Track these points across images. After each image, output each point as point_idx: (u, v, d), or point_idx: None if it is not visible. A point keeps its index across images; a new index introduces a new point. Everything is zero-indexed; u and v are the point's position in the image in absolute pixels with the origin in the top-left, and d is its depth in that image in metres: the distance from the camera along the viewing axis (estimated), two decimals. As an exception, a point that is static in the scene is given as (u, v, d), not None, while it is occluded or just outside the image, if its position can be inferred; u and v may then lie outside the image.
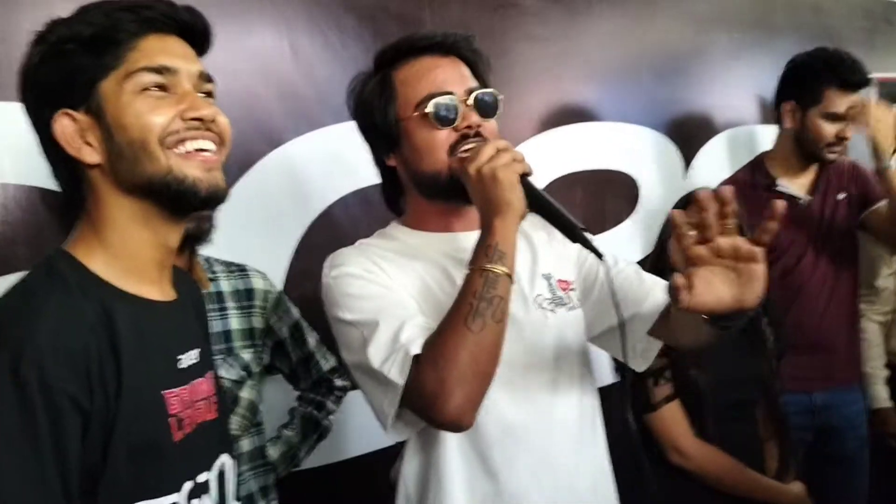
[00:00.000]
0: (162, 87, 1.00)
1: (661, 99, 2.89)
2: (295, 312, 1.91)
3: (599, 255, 1.27)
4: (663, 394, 1.96)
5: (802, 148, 2.50)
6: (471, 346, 1.21)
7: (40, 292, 0.95)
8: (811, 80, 2.46)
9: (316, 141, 2.03)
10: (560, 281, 1.49)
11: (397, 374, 1.24)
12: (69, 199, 1.04)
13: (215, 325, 1.73)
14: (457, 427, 1.26)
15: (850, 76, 2.42)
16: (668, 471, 1.90)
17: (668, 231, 2.14)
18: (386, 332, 1.27)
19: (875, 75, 3.65)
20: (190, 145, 1.00)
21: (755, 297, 1.11)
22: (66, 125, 0.98)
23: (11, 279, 1.41)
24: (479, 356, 1.22)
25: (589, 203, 2.64)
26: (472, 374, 1.21)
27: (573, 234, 1.28)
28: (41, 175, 1.03)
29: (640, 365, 1.51)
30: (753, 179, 2.52)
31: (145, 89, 0.98)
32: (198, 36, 1.06)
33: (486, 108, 1.40)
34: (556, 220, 1.30)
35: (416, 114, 1.37)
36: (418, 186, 1.43)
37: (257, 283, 1.83)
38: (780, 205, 1.09)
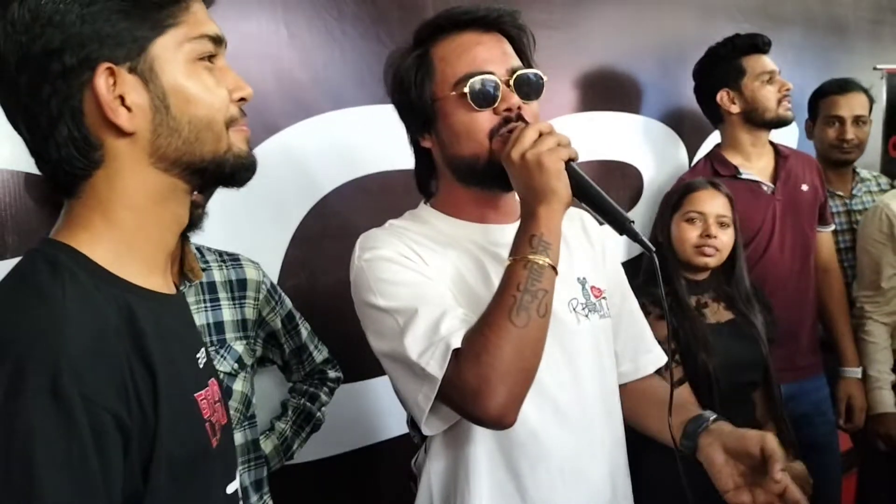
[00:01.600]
0: (210, 58, 0.91)
1: (667, 89, 2.86)
2: (288, 303, 1.87)
3: (649, 250, 1.22)
4: (675, 377, 1.96)
5: (756, 122, 2.54)
6: (515, 341, 1.16)
7: (54, 293, 0.81)
8: (728, 60, 2.55)
9: (314, 128, 1.98)
10: (594, 287, 1.44)
11: (436, 367, 1.18)
12: (67, 176, 0.89)
13: (207, 316, 1.69)
14: (499, 425, 1.21)
15: (755, 39, 2.53)
16: (660, 451, 1.89)
17: (667, 210, 2.15)
18: (424, 323, 1.22)
19: (882, 67, 3.64)
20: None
21: None
22: (103, 83, 0.85)
23: (2, 266, 1.36)
24: (523, 351, 1.17)
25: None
26: (516, 370, 1.16)
27: (621, 227, 1.22)
28: (30, 160, 0.92)
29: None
30: (715, 170, 2.52)
31: (200, 58, 0.90)
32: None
33: (528, 90, 1.32)
34: (603, 210, 1.24)
35: (453, 93, 1.31)
36: (454, 171, 1.37)
37: (250, 274, 1.79)
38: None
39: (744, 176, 2.50)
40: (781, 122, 2.52)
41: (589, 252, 1.49)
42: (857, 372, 2.61)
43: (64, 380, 0.75)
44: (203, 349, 1.00)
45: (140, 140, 0.88)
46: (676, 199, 2.16)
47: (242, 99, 0.93)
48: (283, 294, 1.87)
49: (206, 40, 0.90)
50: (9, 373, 0.75)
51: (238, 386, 1.71)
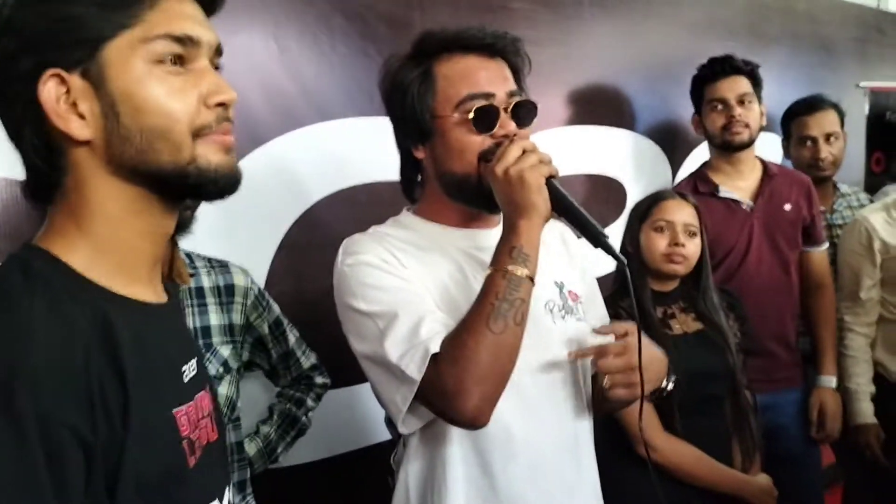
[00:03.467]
0: (178, 60, 0.84)
1: (651, 104, 2.92)
2: (276, 309, 1.91)
3: (622, 262, 1.29)
4: None
5: (714, 145, 2.65)
6: (491, 347, 1.22)
7: (21, 300, 0.77)
8: (694, 88, 2.70)
9: (301, 139, 2.03)
10: (571, 292, 1.50)
11: (415, 369, 1.24)
12: (39, 182, 0.86)
13: (195, 320, 1.72)
14: (473, 425, 1.27)
15: (715, 66, 2.63)
16: (636, 463, 1.92)
17: (636, 220, 2.19)
18: (404, 326, 1.27)
19: (865, 84, 3.70)
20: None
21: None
22: (53, 88, 0.80)
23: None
24: (499, 357, 1.23)
25: (577, 206, 2.64)
26: (491, 374, 1.22)
27: (596, 240, 1.28)
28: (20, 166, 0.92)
29: None
30: (696, 188, 2.58)
31: (161, 61, 0.83)
32: (213, 1, 0.91)
33: (523, 117, 1.39)
34: (580, 225, 1.30)
35: (455, 115, 1.36)
36: (444, 185, 1.42)
37: (238, 280, 1.82)
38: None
39: (721, 194, 2.56)
40: (728, 147, 2.59)
41: (567, 260, 1.54)
42: (831, 381, 2.63)
43: (18, 394, 0.71)
44: (193, 360, 0.95)
45: (97, 147, 0.83)
46: (644, 208, 2.18)
47: (222, 104, 0.86)
48: (271, 300, 1.90)
49: (168, 41, 0.83)
50: None
51: (223, 389, 1.75)
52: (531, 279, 1.26)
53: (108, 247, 0.86)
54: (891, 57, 3.89)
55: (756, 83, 2.60)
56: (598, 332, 1.38)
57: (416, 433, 1.39)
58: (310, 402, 1.97)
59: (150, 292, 0.91)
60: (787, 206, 2.60)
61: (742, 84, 2.57)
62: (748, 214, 2.55)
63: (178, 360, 0.92)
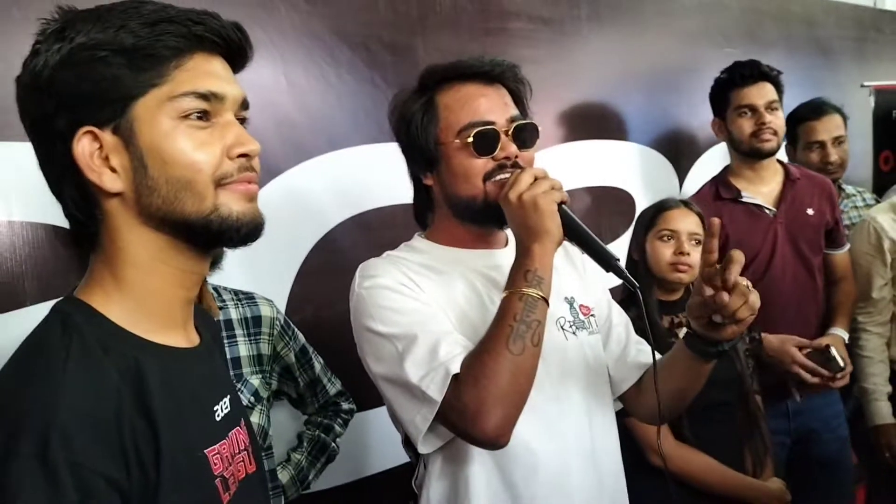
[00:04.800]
0: (204, 115, 0.89)
1: (654, 115, 2.94)
2: (301, 338, 1.95)
3: (634, 285, 1.31)
4: None
5: (740, 151, 2.62)
6: (511, 368, 1.25)
7: (56, 356, 0.82)
8: (719, 92, 2.67)
9: (313, 169, 2.08)
10: (582, 306, 1.53)
11: (436, 390, 1.27)
12: (79, 233, 0.92)
13: (225, 353, 1.76)
14: (494, 444, 1.29)
15: (742, 70, 2.60)
16: (649, 473, 1.92)
17: (641, 230, 2.19)
18: (423, 348, 1.30)
19: (869, 84, 3.71)
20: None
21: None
22: (87, 145, 0.86)
23: (20, 314, 1.43)
24: (518, 377, 1.26)
25: (586, 220, 2.61)
26: (511, 394, 1.25)
27: (607, 264, 1.31)
28: (49, 212, 0.96)
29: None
30: (719, 192, 2.59)
31: (186, 116, 0.87)
32: (240, 56, 0.95)
33: (525, 139, 1.43)
34: (592, 250, 1.34)
35: (457, 141, 1.41)
36: (452, 208, 1.46)
37: (265, 311, 1.87)
38: (716, 222, 1.29)
39: (745, 199, 2.56)
40: (756, 154, 2.57)
41: (573, 273, 1.58)
42: (843, 333, 2.58)
43: (53, 445, 0.75)
44: (227, 399, 0.99)
45: (128, 199, 0.88)
46: (650, 218, 2.20)
47: (245, 155, 0.91)
48: (296, 329, 1.94)
49: (192, 98, 0.87)
50: (4, 436, 0.76)
51: (254, 418, 1.78)
52: (546, 301, 1.30)
53: (142, 294, 0.90)
54: (890, 55, 3.90)
55: (780, 90, 2.61)
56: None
57: (438, 454, 1.42)
58: (338, 428, 2.01)
59: (182, 337, 0.95)
60: (810, 211, 2.59)
61: (770, 91, 2.57)
62: (771, 220, 2.55)
63: (210, 400, 0.96)
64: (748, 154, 2.59)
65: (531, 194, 1.30)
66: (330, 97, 2.10)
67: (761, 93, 2.57)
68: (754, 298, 1.26)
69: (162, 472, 0.82)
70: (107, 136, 0.86)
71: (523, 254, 1.32)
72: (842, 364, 2.37)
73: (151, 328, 0.90)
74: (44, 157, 0.90)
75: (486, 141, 1.39)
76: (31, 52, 0.87)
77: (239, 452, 0.97)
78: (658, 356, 1.40)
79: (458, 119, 1.41)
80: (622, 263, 1.33)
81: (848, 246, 2.73)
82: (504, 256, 1.37)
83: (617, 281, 1.34)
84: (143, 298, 0.90)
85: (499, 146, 1.40)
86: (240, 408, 1.04)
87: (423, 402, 1.29)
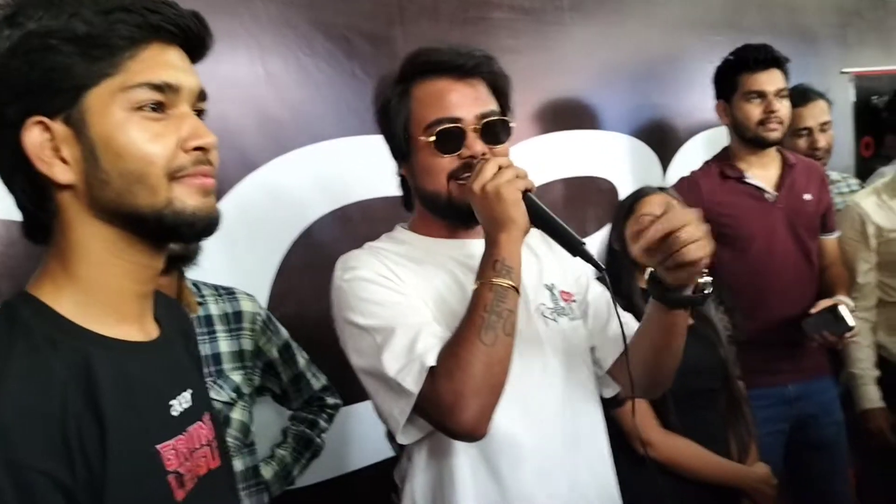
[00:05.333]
0: (159, 106, 0.87)
1: (637, 105, 2.93)
2: (284, 333, 1.93)
3: (601, 269, 1.31)
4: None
5: (744, 137, 2.58)
6: (484, 359, 1.25)
7: (0, 351, 0.81)
8: (727, 74, 2.60)
9: (293, 162, 2.05)
10: (563, 292, 1.53)
11: (412, 383, 1.27)
12: (33, 224, 0.90)
13: (204, 349, 1.74)
14: (471, 437, 1.29)
15: (755, 55, 2.54)
16: (636, 462, 1.94)
17: (621, 217, 2.18)
18: (402, 341, 1.30)
19: (849, 70, 3.71)
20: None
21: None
22: (37, 135, 0.84)
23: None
24: (492, 368, 1.26)
25: (570, 209, 2.68)
26: (486, 385, 1.25)
27: (574, 249, 1.31)
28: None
29: (607, 393, 1.58)
30: (722, 172, 2.57)
31: (140, 108, 0.85)
32: (198, 46, 0.93)
33: (495, 135, 1.41)
34: (558, 235, 1.33)
35: (423, 137, 1.41)
36: (422, 200, 1.47)
37: (246, 306, 1.85)
38: (645, 220, 1.21)
39: (748, 180, 2.54)
40: (760, 142, 2.54)
41: (553, 258, 1.56)
42: (846, 299, 2.53)
43: None
44: (186, 392, 0.96)
45: (80, 191, 0.86)
46: (629, 204, 2.21)
47: (201, 148, 0.89)
48: (278, 324, 1.92)
49: (146, 89, 0.85)
50: None
51: (236, 415, 1.77)
52: (516, 289, 1.30)
53: (95, 288, 0.88)
54: (872, 41, 3.90)
55: (787, 77, 2.58)
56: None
57: (423, 446, 1.42)
58: (322, 423, 1.99)
59: (138, 330, 0.93)
60: (807, 196, 2.59)
61: (780, 77, 2.54)
62: (771, 205, 2.54)
63: (166, 394, 0.93)
64: (751, 141, 2.56)
65: (494, 184, 1.30)
66: (309, 89, 2.08)
67: (772, 79, 2.53)
68: (701, 242, 1.19)
69: (109, 468, 0.81)
70: (57, 127, 0.84)
71: (491, 244, 1.32)
72: (851, 324, 2.35)
73: (104, 322, 0.88)
74: None
75: (449, 139, 1.39)
76: None
77: (200, 448, 0.95)
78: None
79: (427, 115, 1.41)
80: (588, 248, 1.32)
81: (837, 232, 2.74)
82: (482, 245, 1.36)
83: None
84: (95, 292, 0.88)
85: (464, 144, 1.39)
86: (204, 402, 1.02)
87: (401, 395, 1.29)
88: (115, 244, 0.88)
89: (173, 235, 0.91)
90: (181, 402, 0.94)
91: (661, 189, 2.24)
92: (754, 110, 2.53)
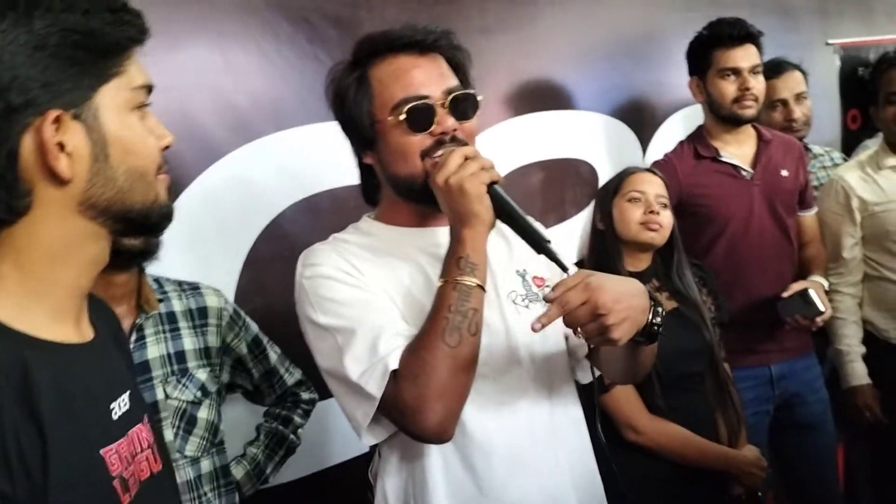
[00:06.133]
0: (143, 107, 0.91)
1: (614, 84, 2.88)
2: (254, 328, 1.88)
3: (564, 268, 1.27)
4: None
5: (719, 115, 2.55)
6: (449, 361, 1.22)
7: None
8: (700, 50, 2.57)
9: (258, 151, 2.00)
10: (535, 277, 1.49)
11: (375, 387, 1.24)
12: None
13: (168, 346, 1.70)
14: (438, 440, 1.28)
15: (729, 30, 2.49)
16: (625, 448, 1.93)
17: (607, 196, 2.16)
18: (363, 342, 1.28)
19: (834, 41, 3.67)
20: None
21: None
22: (49, 128, 0.83)
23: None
24: (457, 370, 1.23)
25: (548, 192, 2.64)
26: (451, 387, 1.23)
27: (538, 246, 1.28)
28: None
29: (582, 378, 1.54)
30: (696, 151, 2.54)
31: (138, 107, 0.90)
32: None
33: (463, 111, 1.38)
34: (523, 231, 1.31)
35: (390, 118, 1.35)
36: (395, 187, 1.42)
37: (211, 301, 1.80)
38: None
39: (724, 159, 2.51)
40: (735, 120, 2.52)
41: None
42: (821, 279, 2.55)
43: None
44: (125, 395, 0.95)
45: (73, 188, 0.85)
46: (616, 183, 2.21)
47: (166, 147, 0.94)
48: (247, 319, 1.87)
49: (143, 91, 0.90)
50: None
51: (203, 413, 1.72)
52: (481, 287, 1.27)
53: (44, 286, 0.87)
54: (852, 12, 3.85)
55: (761, 52, 2.54)
56: (547, 298, 1.22)
57: (395, 443, 1.39)
58: (297, 420, 1.95)
59: (74, 332, 0.92)
60: (784, 173, 2.57)
61: (754, 53, 2.51)
62: (748, 183, 2.51)
63: (106, 397, 0.92)
64: (726, 119, 2.53)
65: (458, 177, 1.26)
66: (271, 75, 2.03)
67: (746, 55, 2.50)
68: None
69: (50, 476, 0.79)
70: (68, 121, 0.84)
71: (455, 240, 1.29)
72: (821, 308, 2.36)
73: (40, 323, 0.86)
74: None
75: (420, 116, 1.34)
76: None
77: (141, 451, 0.95)
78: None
79: (392, 94, 1.35)
80: (553, 245, 1.29)
81: (816, 209, 2.71)
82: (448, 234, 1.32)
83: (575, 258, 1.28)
84: (45, 290, 0.87)
85: (435, 121, 1.34)
86: (141, 404, 1.01)
87: (364, 399, 1.26)
88: (82, 241, 0.89)
89: (154, 230, 0.96)
90: (120, 405, 0.93)
91: (648, 169, 2.23)
92: (729, 87, 2.50)
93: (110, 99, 0.86)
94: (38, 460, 0.79)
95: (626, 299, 1.20)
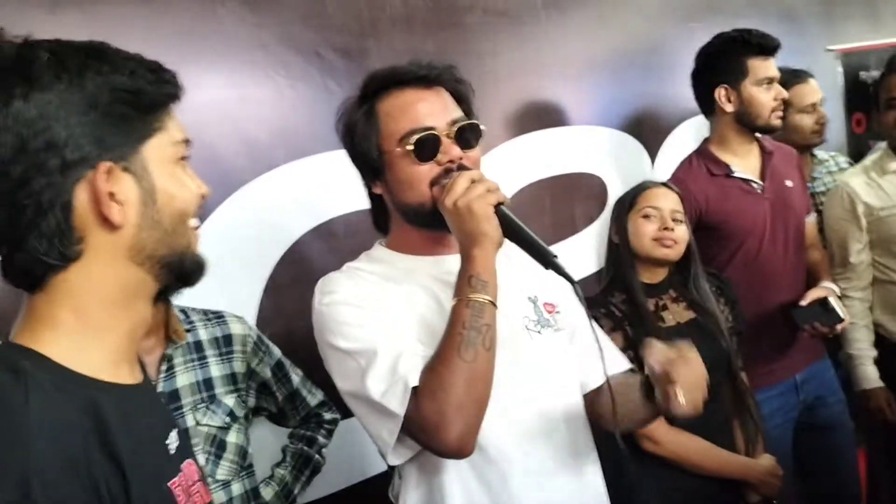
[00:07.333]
0: (183, 159, 0.97)
1: (620, 98, 2.91)
2: (276, 352, 1.93)
3: (571, 281, 1.32)
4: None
5: (747, 125, 2.51)
6: (465, 376, 1.26)
7: (15, 402, 0.81)
8: (732, 57, 2.50)
9: (274, 181, 2.05)
10: (546, 304, 1.53)
11: (397, 405, 1.28)
12: (42, 269, 0.89)
13: (196, 374, 1.75)
14: (458, 454, 1.31)
15: (766, 41, 2.47)
16: (643, 459, 1.93)
17: (622, 211, 2.17)
18: (384, 363, 1.31)
19: (834, 48, 3.69)
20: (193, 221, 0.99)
21: None
22: (102, 180, 0.89)
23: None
24: (474, 384, 1.27)
25: (558, 207, 2.67)
26: (469, 402, 1.26)
27: (546, 261, 1.33)
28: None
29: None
30: (708, 169, 2.52)
31: (181, 158, 0.96)
32: None
33: (467, 140, 1.43)
34: (530, 248, 1.35)
35: (398, 149, 1.41)
36: (404, 215, 1.47)
37: (235, 329, 1.85)
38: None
39: (736, 174, 2.49)
40: (769, 130, 2.50)
41: (537, 271, 1.56)
42: (831, 285, 2.54)
43: (35, 490, 0.76)
44: (174, 432, 1.01)
45: (124, 233, 0.90)
46: (631, 198, 2.21)
47: (204, 196, 0.99)
48: (270, 344, 1.92)
49: (184, 144, 0.96)
50: None
51: (232, 438, 1.77)
52: (493, 304, 1.31)
53: (103, 331, 0.92)
54: (856, 16, 3.87)
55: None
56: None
57: (413, 463, 1.42)
58: (321, 440, 1.99)
59: (129, 374, 0.96)
60: (789, 182, 2.57)
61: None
62: (760, 196, 2.50)
63: (162, 435, 0.98)
64: (758, 129, 2.50)
65: (465, 199, 1.32)
66: (285, 107, 2.08)
67: (775, 66, 2.48)
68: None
69: None
70: (118, 172, 0.89)
71: (466, 260, 1.33)
72: (842, 316, 2.37)
73: (102, 366, 0.91)
74: (23, 188, 0.87)
75: (427, 147, 1.39)
76: (30, 82, 0.86)
77: (194, 483, 0.99)
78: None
79: (399, 127, 1.41)
80: (559, 260, 1.34)
81: (814, 215, 2.73)
82: (459, 261, 1.37)
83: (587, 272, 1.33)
84: (104, 335, 0.92)
85: (441, 150, 1.40)
86: (186, 440, 1.06)
87: (388, 418, 1.30)
88: (137, 286, 0.94)
89: (187, 279, 0.99)
90: (173, 441, 0.99)
91: (663, 183, 2.24)
92: (768, 97, 2.46)
93: (155, 152, 0.92)
94: (121, 494, 0.84)
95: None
